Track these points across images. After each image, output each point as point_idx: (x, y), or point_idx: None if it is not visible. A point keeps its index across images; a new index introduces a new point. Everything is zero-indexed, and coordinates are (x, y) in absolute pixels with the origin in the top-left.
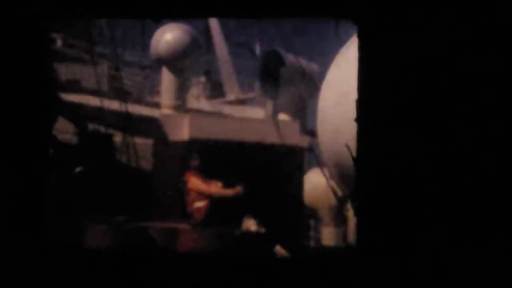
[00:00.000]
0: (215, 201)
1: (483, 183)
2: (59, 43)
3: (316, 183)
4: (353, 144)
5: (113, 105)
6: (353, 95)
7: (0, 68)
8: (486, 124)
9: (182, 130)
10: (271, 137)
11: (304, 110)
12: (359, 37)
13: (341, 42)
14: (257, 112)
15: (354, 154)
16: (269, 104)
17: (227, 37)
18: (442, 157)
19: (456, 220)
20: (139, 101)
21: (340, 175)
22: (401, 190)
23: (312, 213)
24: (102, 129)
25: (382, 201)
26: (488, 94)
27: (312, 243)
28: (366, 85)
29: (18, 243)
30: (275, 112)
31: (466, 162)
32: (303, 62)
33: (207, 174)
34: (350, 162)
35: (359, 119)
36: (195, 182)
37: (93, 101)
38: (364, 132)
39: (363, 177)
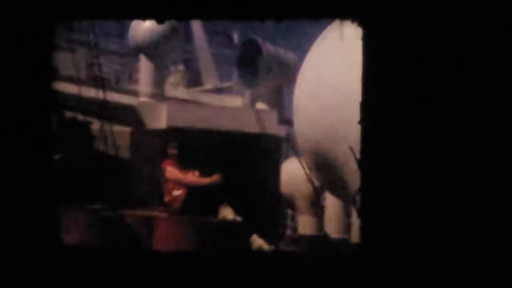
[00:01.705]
0: (192, 190)
1: (487, 185)
2: None
3: (293, 172)
4: (356, 147)
5: (91, 92)
6: (328, 84)
7: (3, 68)
8: (491, 126)
9: (159, 118)
10: (249, 126)
11: (281, 100)
12: (363, 39)
13: (319, 32)
14: (234, 101)
15: (358, 156)
16: (247, 93)
17: (206, 25)
18: (446, 158)
19: (459, 221)
20: (117, 88)
21: (315, 164)
22: (405, 192)
23: (289, 202)
24: (79, 116)
25: (386, 203)
26: (493, 96)
27: (288, 231)
28: (370, 87)
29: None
30: (252, 101)
31: (470, 164)
32: (280, 51)
33: (184, 163)
34: (326, 151)
35: (363, 121)
36: (172, 171)
37: (70, 88)
38: (368, 134)
39: (367, 179)
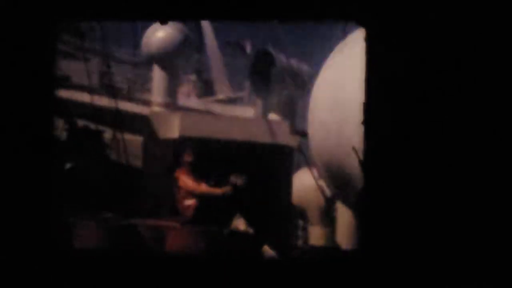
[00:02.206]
0: (204, 200)
1: (489, 185)
2: None
3: (304, 183)
4: (359, 147)
5: (103, 101)
6: (345, 97)
7: (6, 68)
8: (493, 127)
9: (172, 128)
10: (261, 137)
11: (294, 110)
12: (367, 40)
13: (334, 43)
14: (247, 111)
15: (361, 157)
16: (259, 104)
17: (218, 35)
18: (449, 160)
19: (462, 222)
20: (129, 98)
21: (330, 176)
22: (408, 194)
23: (301, 213)
24: (92, 125)
25: (389, 205)
26: (495, 97)
27: (300, 242)
28: (373, 88)
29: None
30: (265, 112)
31: (472, 165)
32: (293, 62)
33: (198, 172)
34: (340, 163)
35: (366, 122)
36: (185, 180)
37: (83, 97)
38: (371, 135)
39: (370, 180)
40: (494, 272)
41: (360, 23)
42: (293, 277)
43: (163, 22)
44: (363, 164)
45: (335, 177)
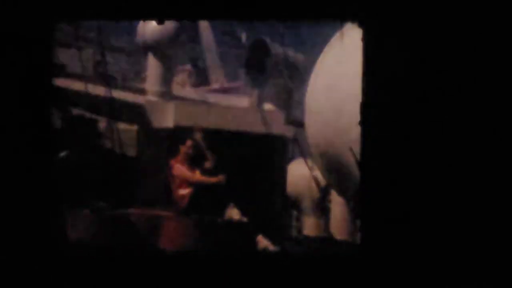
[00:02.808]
0: (199, 189)
1: (488, 185)
2: None
3: (299, 173)
4: (357, 148)
5: (98, 90)
6: (342, 86)
7: (5, 67)
8: (492, 127)
9: (166, 117)
10: (256, 126)
11: (289, 100)
12: (364, 40)
13: (330, 32)
14: (242, 101)
15: (358, 157)
16: (254, 94)
17: (213, 25)
18: (447, 160)
19: (460, 222)
20: (124, 87)
21: (326, 166)
22: (406, 194)
23: (295, 203)
24: (86, 114)
25: (386, 205)
26: (495, 98)
27: (294, 233)
28: (370, 88)
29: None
30: (260, 102)
31: (471, 165)
32: (289, 52)
33: (193, 162)
34: (337, 153)
35: (364, 122)
36: (180, 168)
37: (77, 85)
38: (368, 135)
39: (367, 180)
40: (494, 272)
41: (357, 22)
42: (292, 273)
43: (160, 22)
44: (361, 164)
45: (331, 167)
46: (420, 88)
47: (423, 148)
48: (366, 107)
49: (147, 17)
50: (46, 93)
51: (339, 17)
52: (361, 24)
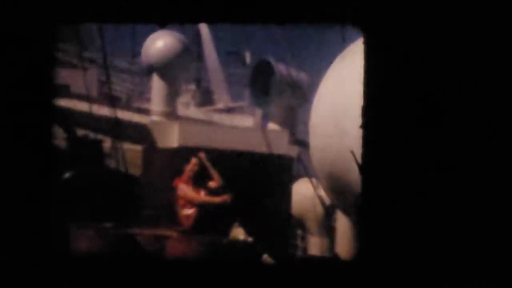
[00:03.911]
0: (203, 209)
1: (489, 189)
2: None
3: (304, 193)
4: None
5: (103, 110)
6: (346, 107)
7: (6, 73)
8: (495, 132)
9: (171, 137)
10: (260, 146)
11: (293, 120)
12: (366, 44)
13: (333, 51)
14: (246, 121)
15: (359, 161)
16: (258, 113)
17: (218, 45)
18: (449, 164)
19: (462, 227)
20: (128, 107)
21: (330, 186)
22: (407, 198)
23: (300, 223)
24: (91, 134)
25: (388, 209)
26: (498, 101)
27: (299, 252)
28: (372, 92)
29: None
30: (264, 121)
31: (473, 169)
32: (293, 72)
33: (197, 182)
34: (341, 174)
35: (365, 126)
36: (184, 189)
37: (82, 106)
38: (370, 139)
39: (369, 184)
40: (494, 275)
41: (358, 26)
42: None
43: (162, 25)
44: (362, 168)
45: (336, 187)
46: (423, 93)
47: (425, 152)
48: (368, 110)
49: (148, 20)
50: (48, 112)
51: (341, 21)
52: (362, 29)
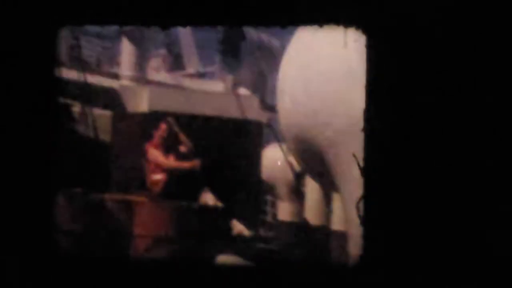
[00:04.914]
0: (173, 175)
1: (494, 192)
2: None
3: (273, 158)
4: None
5: (72, 74)
6: (315, 70)
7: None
8: (498, 133)
9: (141, 102)
10: (230, 111)
11: (264, 85)
12: (367, 47)
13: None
14: (216, 86)
15: (361, 164)
16: (229, 78)
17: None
18: (451, 167)
19: (464, 229)
20: (98, 71)
21: (299, 150)
22: (409, 201)
23: (269, 188)
24: (60, 99)
25: (389, 211)
26: (500, 104)
27: (269, 218)
28: (373, 95)
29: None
30: (235, 86)
31: (475, 172)
32: (264, 36)
33: (166, 147)
34: (310, 137)
35: (366, 129)
36: (154, 153)
37: None
38: (371, 142)
39: (370, 187)
40: (494, 275)
41: (362, 30)
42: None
43: (164, 28)
44: (364, 170)
45: (305, 151)
46: (425, 96)
47: (427, 154)
48: (369, 113)
49: (149, 23)
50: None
51: (343, 24)
52: (364, 31)
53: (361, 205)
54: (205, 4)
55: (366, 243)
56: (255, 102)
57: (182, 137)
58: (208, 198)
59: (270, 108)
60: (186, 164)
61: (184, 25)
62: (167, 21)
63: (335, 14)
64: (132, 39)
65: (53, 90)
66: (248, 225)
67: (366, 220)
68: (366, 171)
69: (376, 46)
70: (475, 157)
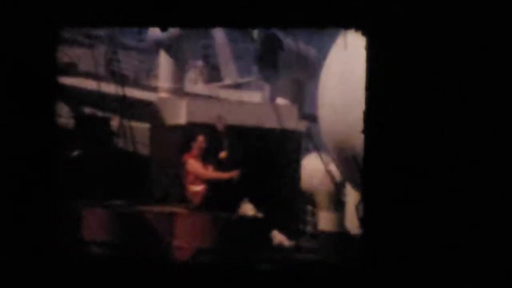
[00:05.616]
0: (212, 186)
1: (494, 191)
2: None
3: (313, 167)
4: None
5: (110, 88)
6: (354, 78)
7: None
8: (497, 132)
9: (179, 114)
10: (269, 121)
11: (302, 95)
12: (367, 49)
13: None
14: (254, 96)
15: (361, 165)
16: (267, 88)
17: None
18: (450, 167)
19: (465, 229)
20: (136, 84)
21: (340, 159)
22: (409, 201)
23: (309, 198)
24: (99, 113)
25: (389, 212)
26: (501, 104)
27: (309, 228)
28: (373, 96)
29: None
30: (272, 96)
31: (475, 171)
32: (301, 46)
33: (206, 158)
34: (351, 146)
35: (366, 130)
36: (193, 165)
37: (90, 84)
38: (371, 143)
39: (370, 187)
40: (494, 276)
41: (361, 31)
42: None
43: (164, 29)
44: (363, 172)
45: (345, 160)
46: (425, 96)
47: (427, 155)
48: (369, 115)
49: (151, 24)
50: (51, 91)
51: (343, 25)
52: (364, 33)
53: (361, 207)
54: (207, 6)
55: (367, 242)
56: (293, 111)
57: (225, 142)
58: (248, 209)
59: (308, 117)
60: (225, 175)
61: (183, 26)
62: (167, 23)
63: (336, 16)
64: (169, 52)
65: (53, 90)
66: (288, 235)
67: (367, 219)
68: (366, 172)
69: (377, 47)
70: (475, 157)
